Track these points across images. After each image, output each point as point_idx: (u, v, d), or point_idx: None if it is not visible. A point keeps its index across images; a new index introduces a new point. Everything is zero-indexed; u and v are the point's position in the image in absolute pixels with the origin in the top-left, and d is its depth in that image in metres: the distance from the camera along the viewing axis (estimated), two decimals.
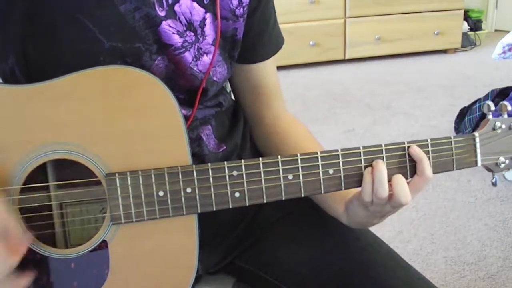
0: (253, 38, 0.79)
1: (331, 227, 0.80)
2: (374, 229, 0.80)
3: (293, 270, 0.78)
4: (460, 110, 2.54)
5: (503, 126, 0.71)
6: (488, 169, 0.73)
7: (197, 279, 0.81)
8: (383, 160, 0.67)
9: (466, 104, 2.54)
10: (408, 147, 0.68)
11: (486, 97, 2.46)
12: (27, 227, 0.61)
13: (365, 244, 0.79)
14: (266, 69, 0.84)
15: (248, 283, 0.84)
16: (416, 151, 0.67)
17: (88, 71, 0.61)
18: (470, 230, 1.82)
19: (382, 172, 0.65)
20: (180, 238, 0.65)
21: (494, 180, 0.74)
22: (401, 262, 0.77)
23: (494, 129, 0.71)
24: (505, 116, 0.72)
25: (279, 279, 0.79)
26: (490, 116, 0.72)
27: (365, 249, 0.78)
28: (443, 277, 1.59)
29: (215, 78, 0.75)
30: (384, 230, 1.81)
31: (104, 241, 0.63)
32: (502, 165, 0.72)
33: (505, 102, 0.70)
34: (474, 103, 2.49)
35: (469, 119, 2.43)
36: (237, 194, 0.64)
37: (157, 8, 0.68)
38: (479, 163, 0.72)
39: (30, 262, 0.62)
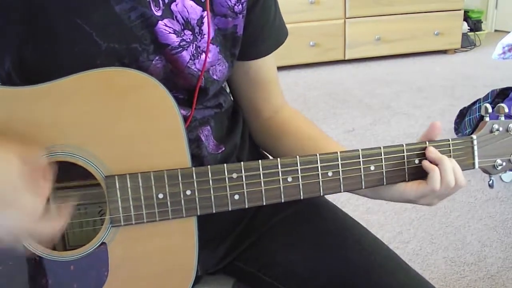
0: (253, 33, 0.78)
1: (330, 229, 0.80)
2: (373, 230, 0.81)
3: (292, 271, 0.78)
4: (460, 110, 2.54)
5: (500, 129, 0.72)
6: (485, 171, 0.73)
7: (197, 280, 0.81)
8: (382, 161, 0.67)
9: (466, 105, 2.54)
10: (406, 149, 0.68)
11: (486, 98, 2.45)
12: None
13: (364, 245, 0.78)
14: (266, 64, 0.83)
15: (248, 284, 0.83)
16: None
17: (88, 73, 0.61)
18: (470, 230, 1.82)
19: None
20: (180, 240, 0.65)
21: (491, 182, 0.74)
22: (401, 263, 0.77)
23: (491, 131, 0.72)
24: (502, 118, 0.72)
25: (278, 280, 0.79)
26: (487, 119, 0.72)
27: (364, 250, 0.78)
28: (443, 277, 1.59)
29: (215, 77, 0.75)
30: (384, 231, 1.81)
31: (104, 243, 0.63)
32: (499, 167, 0.73)
33: (503, 105, 0.70)
34: (474, 103, 2.49)
35: (469, 119, 2.42)
36: (236, 197, 0.64)
37: (153, 8, 0.67)
38: (477, 166, 0.72)
39: (29, 264, 0.62)
